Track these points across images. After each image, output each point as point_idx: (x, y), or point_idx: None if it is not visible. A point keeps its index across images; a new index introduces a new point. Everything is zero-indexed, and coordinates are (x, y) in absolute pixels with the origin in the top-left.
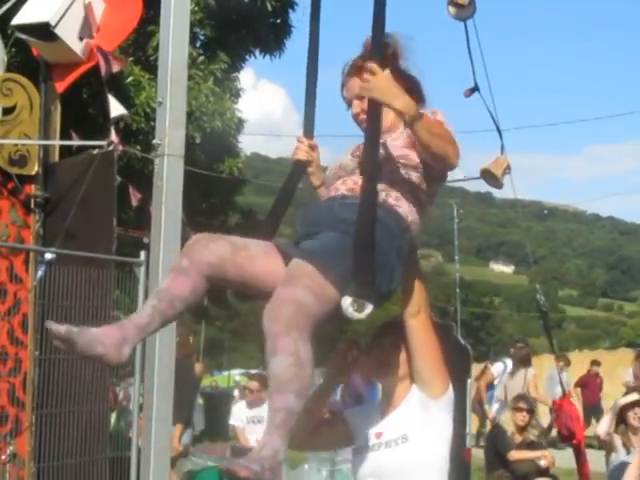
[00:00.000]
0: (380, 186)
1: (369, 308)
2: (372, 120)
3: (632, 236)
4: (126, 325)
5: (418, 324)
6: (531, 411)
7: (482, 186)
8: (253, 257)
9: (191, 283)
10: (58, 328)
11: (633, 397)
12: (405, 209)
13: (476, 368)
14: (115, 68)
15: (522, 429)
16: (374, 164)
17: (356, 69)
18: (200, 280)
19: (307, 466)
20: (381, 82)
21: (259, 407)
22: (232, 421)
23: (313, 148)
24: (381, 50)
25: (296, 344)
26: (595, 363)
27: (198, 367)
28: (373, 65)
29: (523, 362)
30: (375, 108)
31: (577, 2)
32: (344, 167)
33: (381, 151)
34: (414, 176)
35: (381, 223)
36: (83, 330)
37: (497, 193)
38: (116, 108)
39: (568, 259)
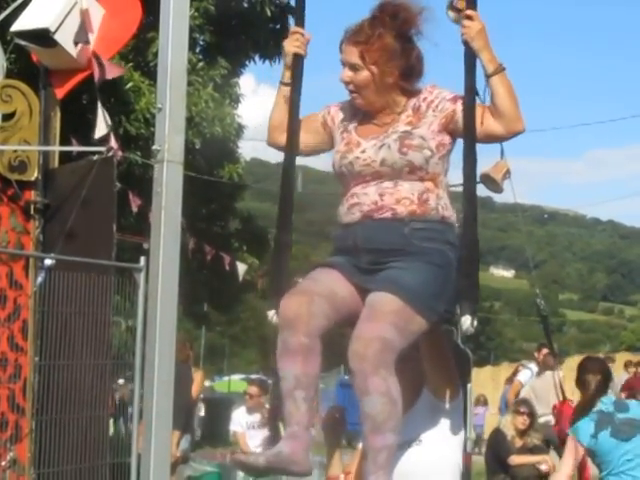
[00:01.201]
0: (427, 185)
1: (476, 322)
2: (468, 74)
3: (632, 240)
4: (299, 433)
5: (436, 340)
6: (532, 415)
7: (482, 190)
8: (344, 300)
9: (318, 354)
10: (253, 461)
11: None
12: (453, 216)
13: (477, 372)
14: (111, 75)
15: (523, 433)
16: (473, 171)
17: (355, 35)
18: (320, 345)
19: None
20: (475, 29)
21: (259, 413)
22: (232, 427)
23: (307, 41)
24: None
25: (386, 382)
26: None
27: (198, 376)
28: (472, 12)
29: (549, 365)
30: (470, 57)
31: (578, 4)
32: (391, 165)
33: (420, 143)
34: (447, 161)
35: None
36: (276, 457)
37: (497, 197)
38: (101, 128)
39: (569, 263)
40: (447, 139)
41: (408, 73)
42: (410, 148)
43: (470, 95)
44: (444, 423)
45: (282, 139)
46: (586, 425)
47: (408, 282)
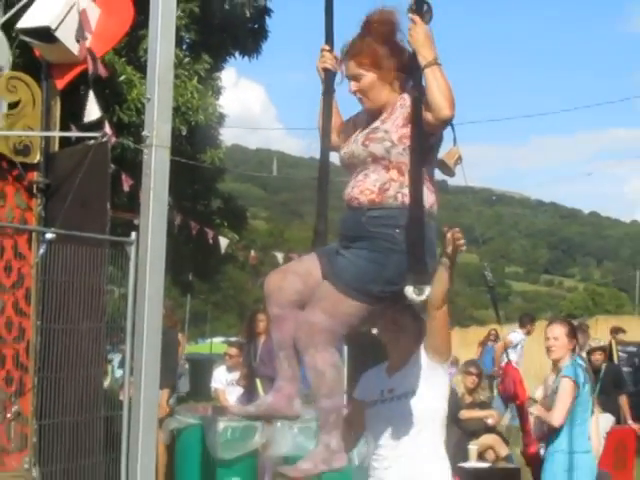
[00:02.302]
0: (392, 174)
1: (428, 290)
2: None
3: (571, 219)
4: (282, 386)
5: (441, 315)
6: (480, 375)
7: (437, 175)
8: (317, 279)
9: (293, 321)
10: (247, 410)
11: (537, 410)
12: (434, 209)
13: None
14: (101, 73)
15: (472, 391)
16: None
17: (350, 50)
18: (295, 313)
19: (279, 424)
20: (417, 31)
21: (238, 371)
22: (213, 384)
23: (335, 58)
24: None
25: (313, 359)
26: None
27: (181, 338)
28: (416, 17)
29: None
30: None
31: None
32: (357, 156)
33: (382, 137)
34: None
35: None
36: (258, 407)
37: (451, 181)
38: (93, 111)
39: (514, 240)
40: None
41: (403, 71)
42: (372, 141)
43: (417, 89)
44: (436, 379)
45: (335, 140)
46: (581, 374)
47: (345, 273)
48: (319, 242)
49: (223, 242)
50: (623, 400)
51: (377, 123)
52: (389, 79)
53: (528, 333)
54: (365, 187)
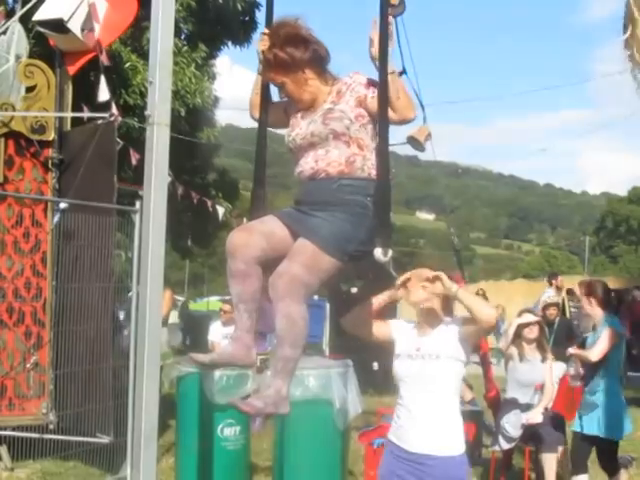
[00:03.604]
0: (353, 149)
1: (390, 252)
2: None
3: (528, 191)
4: (241, 337)
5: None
6: None
7: (410, 150)
8: (281, 239)
9: (255, 276)
10: (203, 359)
11: (528, 318)
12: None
13: None
14: (105, 61)
15: None
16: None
17: (265, 67)
18: (257, 269)
19: (269, 372)
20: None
21: (232, 325)
22: (210, 337)
23: None
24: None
25: (289, 308)
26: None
27: (166, 294)
28: (374, 34)
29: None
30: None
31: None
32: (318, 134)
33: (340, 115)
34: (370, 129)
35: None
36: (220, 356)
37: (422, 156)
38: (104, 93)
39: (478, 209)
40: (364, 112)
41: (315, 65)
42: (332, 119)
43: (382, 86)
44: (460, 347)
45: (257, 114)
46: (617, 324)
47: (322, 230)
48: (258, 205)
49: (220, 210)
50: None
51: (328, 105)
52: (304, 78)
53: (558, 288)
54: (331, 160)
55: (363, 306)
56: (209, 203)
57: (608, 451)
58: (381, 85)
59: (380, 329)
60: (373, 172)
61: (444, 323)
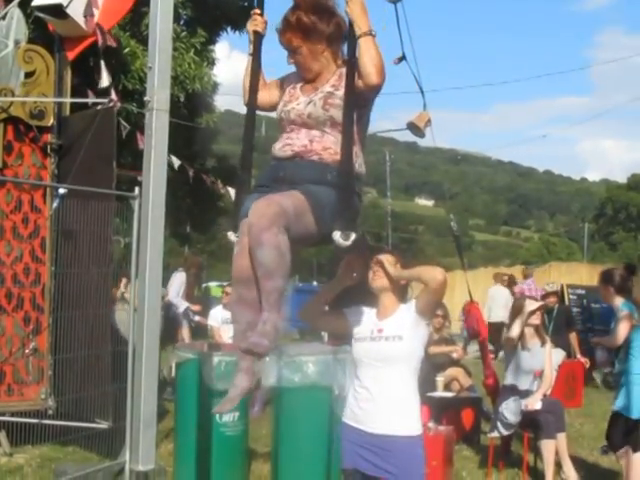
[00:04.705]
0: (335, 137)
1: (352, 236)
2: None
3: (527, 177)
4: (249, 366)
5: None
6: (445, 316)
7: (409, 136)
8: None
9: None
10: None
11: (536, 304)
12: (360, 160)
13: None
14: (110, 43)
15: (438, 330)
16: (351, 116)
17: (283, 26)
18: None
19: (267, 358)
20: (355, 3)
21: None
22: (210, 322)
23: (265, 22)
24: None
25: (277, 237)
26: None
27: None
28: None
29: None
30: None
31: None
32: (315, 118)
33: (340, 103)
34: (364, 122)
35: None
36: (236, 389)
37: (421, 142)
38: (105, 79)
39: (477, 195)
40: (360, 101)
41: (332, 38)
42: (332, 106)
43: (350, 56)
44: (419, 329)
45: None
46: (632, 308)
47: (314, 193)
48: (243, 190)
49: (232, 192)
50: (573, 336)
51: (329, 88)
52: (321, 49)
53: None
54: (327, 145)
55: (317, 297)
56: (219, 185)
57: (626, 428)
58: (349, 53)
59: (336, 320)
60: (359, 170)
61: (404, 304)
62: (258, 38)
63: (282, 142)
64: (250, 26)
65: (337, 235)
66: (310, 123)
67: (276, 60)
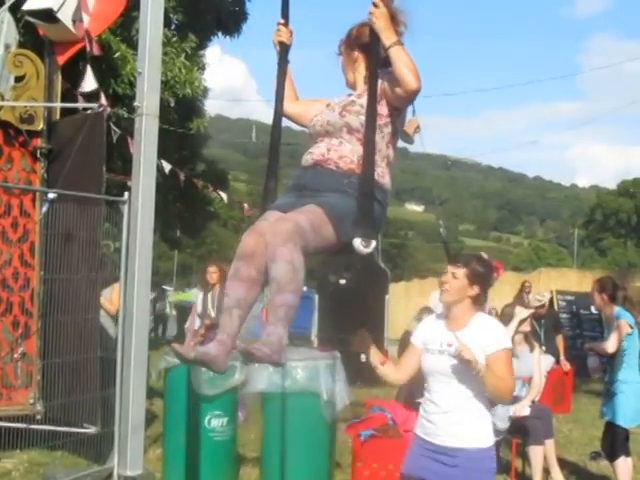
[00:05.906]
0: (353, 145)
1: (373, 244)
2: (373, 53)
3: (517, 183)
4: (227, 341)
5: None
6: None
7: (399, 142)
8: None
9: (260, 285)
10: (186, 354)
11: (527, 312)
12: (380, 170)
13: (393, 287)
14: (96, 51)
15: None
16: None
17: (341, 53)
18: (265, 277)
19: (257, 365)
20: (378, 13)
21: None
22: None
23: (290, 32)
24: None
25: (292, 253)
26: None
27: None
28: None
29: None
30: (374, 36)
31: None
32: (332, 124)
33: (358, 110)
34: (386, 133)
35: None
36: (203, 356)
37: (411, 148)
38: (89, 83)
39: (467, 201)
40: (385, 110)
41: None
42: (349, 112)
43: (374, 65)
44: (486, 339)
45: (288, 107)
46: (628, 315)
47: (332, 204)
48: (270, 198)
49: (224, 195)
50: (559, 339)
51: (353, 97)
52: (352, 60)
53: None
54: (344, 154)
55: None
56: (210, 188)
57: (613, 435)
58: (372, 70)
59: (412, 360)
60: (381, 181)
61: (474, 317)
62: (284, 49)
63: (307, 153)
64: (275, 37)
65: (357, 242)
66: (330, 130)
67: None
